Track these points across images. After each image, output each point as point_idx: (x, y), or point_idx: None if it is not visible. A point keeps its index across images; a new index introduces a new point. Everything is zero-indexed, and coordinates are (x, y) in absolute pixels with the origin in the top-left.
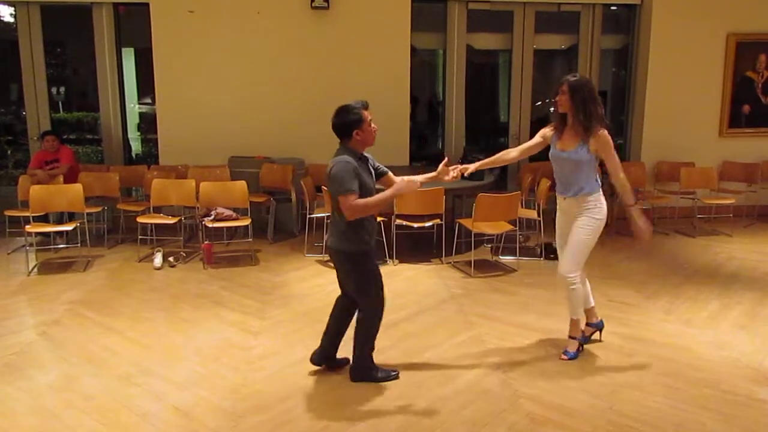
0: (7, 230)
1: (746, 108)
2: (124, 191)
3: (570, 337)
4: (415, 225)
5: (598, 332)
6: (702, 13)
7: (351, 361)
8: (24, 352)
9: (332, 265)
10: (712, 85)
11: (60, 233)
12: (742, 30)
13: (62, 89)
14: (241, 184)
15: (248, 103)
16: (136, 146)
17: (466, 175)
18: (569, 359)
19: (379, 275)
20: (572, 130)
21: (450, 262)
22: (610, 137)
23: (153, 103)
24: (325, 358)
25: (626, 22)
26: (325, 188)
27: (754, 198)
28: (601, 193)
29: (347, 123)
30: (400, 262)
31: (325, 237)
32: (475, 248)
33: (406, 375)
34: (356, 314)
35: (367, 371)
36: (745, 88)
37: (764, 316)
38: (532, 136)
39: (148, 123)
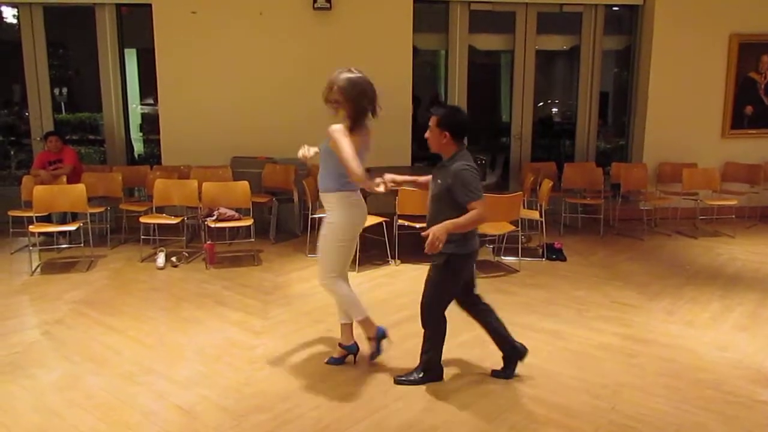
0: (11, 230)
1: (749, 109)
2: (126, 191)
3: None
4: (418, 225)
5: (351, 356)
6: (704, 13)
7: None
8: (27, 351)
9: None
10: (715, 86)
11: (63, 233)
12: (745, 31)
13: (65, 90)
14: (244, 185)
15: (250, 103)
16: (138, 147)
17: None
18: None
19: None
20: None
21: None
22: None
23: (155, 103)
24: (510, 357)
25: (628, 23)
26: None
27: (757, 199)
28: (344, 194)
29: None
30: (402, 262)
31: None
32: None
33: None
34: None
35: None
36: (747, 89)
37: (766, 317)
38: (534, 137)
39: (150, 123)
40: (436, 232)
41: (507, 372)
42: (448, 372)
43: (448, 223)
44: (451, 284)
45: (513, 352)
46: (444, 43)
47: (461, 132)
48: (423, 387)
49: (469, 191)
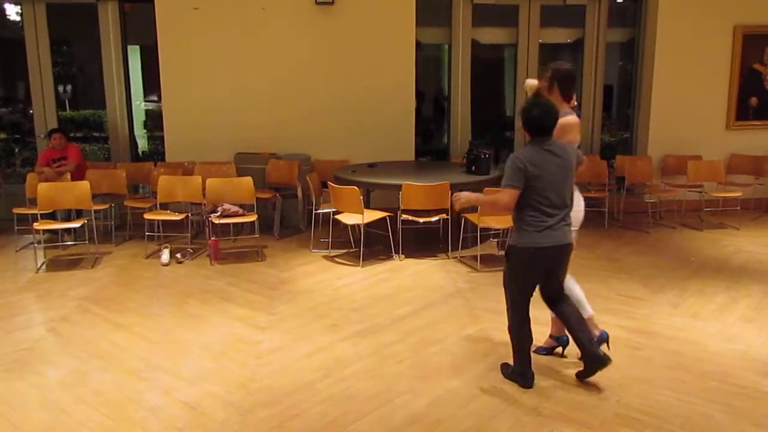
0: (16, 228)
1: (753, 100)
2: (131, 188)
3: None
4: (421, 220)
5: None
6: (708, 5)
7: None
8: (33, 348)
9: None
10: (719, 78)
11: (68, 230)
12: (749, 22)
13: (68, 87)
14: (248, 180)
15: (254, 99)
16: (142, 143)
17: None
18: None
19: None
20: None
21: (456, 257)
22: None
23: (159, 100)
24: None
25: (632, 15)
26: (332, 183)
27: (762, 191)
28: None
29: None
30: (407, 257)
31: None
32: (481, 243)
33: (413, 369)
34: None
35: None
36: (752, 80)
37: None
38: None
39: (154, 120)
40: (460, 195)
41: (582, 373)
42: (453, 367)
43: (473, 195)
44: (514, 276)
45: (587, 355)
46: (447, 38)
47: (527, 126)
48: (427, 382)
49: (505, 177)
